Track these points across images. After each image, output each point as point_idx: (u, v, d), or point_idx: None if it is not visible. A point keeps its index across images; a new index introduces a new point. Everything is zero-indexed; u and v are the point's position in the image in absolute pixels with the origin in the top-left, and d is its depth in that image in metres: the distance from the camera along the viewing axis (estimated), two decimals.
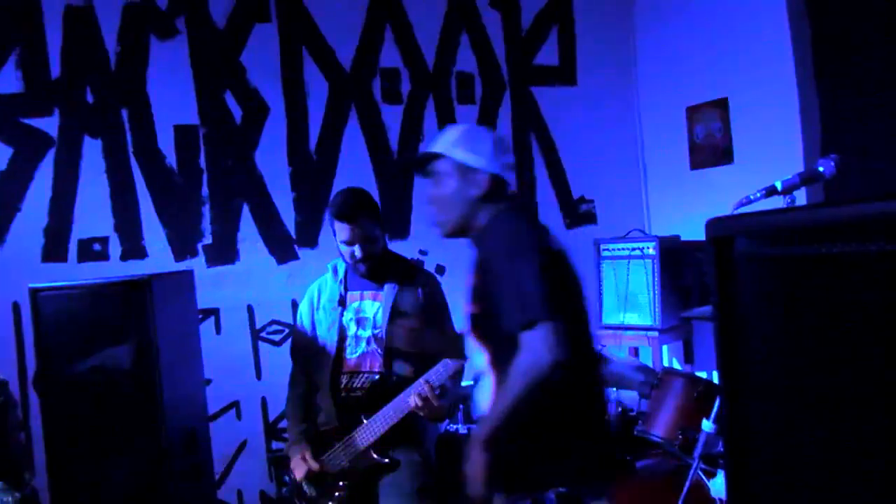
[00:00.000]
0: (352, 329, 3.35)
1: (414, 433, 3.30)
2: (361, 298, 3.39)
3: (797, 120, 4.43)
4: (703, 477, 2.85)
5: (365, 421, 3.22)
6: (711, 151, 5.01)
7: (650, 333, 4.86)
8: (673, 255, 4.95)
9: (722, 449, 2.28)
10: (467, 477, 2.30)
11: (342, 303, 3.40)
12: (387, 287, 3.34)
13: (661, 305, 4.84)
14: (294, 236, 4.70)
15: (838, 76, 4.36)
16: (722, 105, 4.89)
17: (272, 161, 4.67)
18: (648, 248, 4.92)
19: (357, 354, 3.34)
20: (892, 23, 4.07)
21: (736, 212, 2.37)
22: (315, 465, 3.29)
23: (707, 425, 2.22)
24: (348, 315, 3.37)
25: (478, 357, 2.50)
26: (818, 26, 4.42)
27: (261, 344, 4.64)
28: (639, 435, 3.54)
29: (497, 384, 2.37)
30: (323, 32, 4.77)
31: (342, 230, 3.27)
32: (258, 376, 4.62)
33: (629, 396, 4.23)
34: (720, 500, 2.36)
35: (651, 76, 5.43)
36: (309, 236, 4.71)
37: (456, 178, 2.54)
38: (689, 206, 5.14)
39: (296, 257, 4.70)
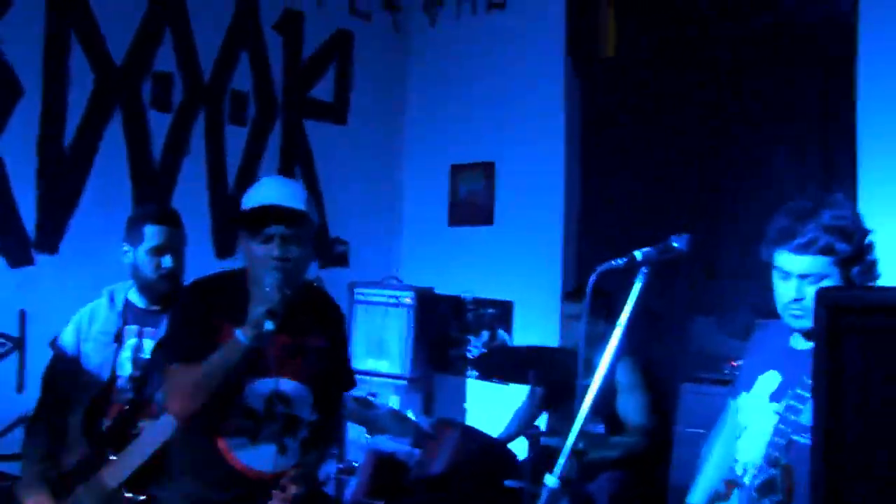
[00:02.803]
0: (126, 369, 2.97)
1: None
2: (141, 336, 3.01)
3: (561, 191, 4.73)
4: None
5: (113, 458, 2.82)
6: (472, 211, 5.17)
7: (399, 382, 4.87)
8: (428, 306, 5.02)
9: None
10: None
11: (118, 339, 3.01)
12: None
13: (412, 355, 4.88)
14: (32, 238, 4.12)
15: (601, 154, 4.74)
16: (488, 167, 5.08)
17: (18, 149, 4.06)
18: (405, 297, 4.95)
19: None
20: (644, 109, 4.53)
21: (598, 274, 2.44)
22: None
23: (551, 480, 2.21)
24: (125, 353, 2.99)
25: None
26: (587, 105, 4.78)
27: None
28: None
29: None
30: (96, 18, 4.30)
31: (157, 234, 2.95)
32: None
33: (392, 444, 4.17)
34: None
35: (419, 129, 5.51)
36: (50, 240, 4.15)
37: (312, 241, 2.61)
38: (444, 261, 5.26)
39: (31, 262, 4.11)
